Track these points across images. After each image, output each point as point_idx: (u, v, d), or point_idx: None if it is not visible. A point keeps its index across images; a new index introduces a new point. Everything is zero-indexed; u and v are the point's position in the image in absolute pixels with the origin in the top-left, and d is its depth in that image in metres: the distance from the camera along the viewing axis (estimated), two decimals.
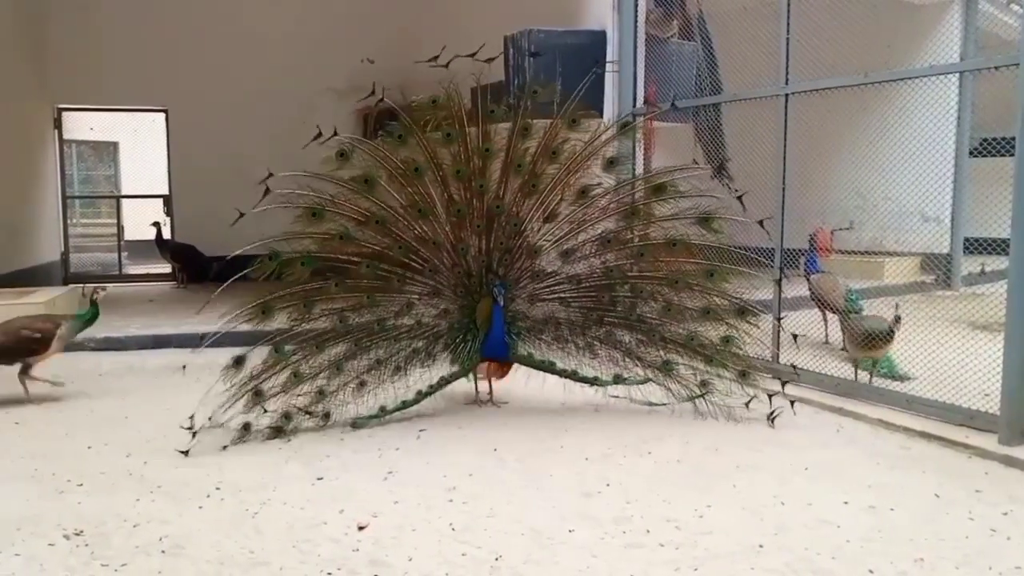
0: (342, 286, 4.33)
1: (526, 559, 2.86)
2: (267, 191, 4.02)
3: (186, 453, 3.91)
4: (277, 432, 4.15)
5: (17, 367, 5.09)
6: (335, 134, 4.24)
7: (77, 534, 3.08)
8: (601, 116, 6.07)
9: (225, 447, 3.94)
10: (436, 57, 4.29)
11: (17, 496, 3.48)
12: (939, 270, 7.18)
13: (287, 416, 4.18)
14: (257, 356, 4.20)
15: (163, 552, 2.93)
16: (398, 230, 4.40)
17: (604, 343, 4.67)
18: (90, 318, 5.28)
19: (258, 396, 4.09)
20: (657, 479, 3.64)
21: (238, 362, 4.11)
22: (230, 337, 5.52)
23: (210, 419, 3.96)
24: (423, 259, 4.49)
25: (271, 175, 4.04)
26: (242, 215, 4.11)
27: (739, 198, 4.43)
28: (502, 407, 4.86)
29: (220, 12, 10.97)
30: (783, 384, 4.57)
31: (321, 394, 4.26)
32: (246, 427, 4.08)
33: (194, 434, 3.93)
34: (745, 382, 4.51)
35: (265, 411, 4.11)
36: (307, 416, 4.23)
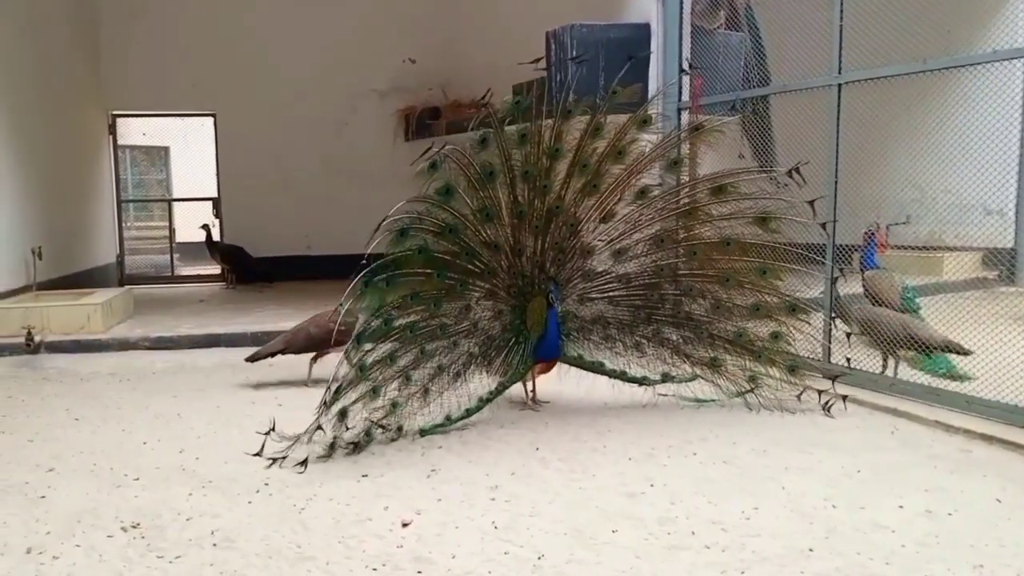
0: (417, 299, 4.27)
1: (569, 559, 2.84)
2: (379, 227, 4.01)
3: (259, 453, 3.86)
4: (355, 447, 4.01)
5: None
6: (445, 145, 4.23)
7: (134, 526, 3.17)
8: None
9: (304, 464, 3.82)
10: (539, 59, 4.29)
11: (78, 490, 3.59)
12: (1002, 266, 6.90)
13: (368, 433, 4.06)
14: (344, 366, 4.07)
15: (214, 545, 2.99)
16: (466, 237, 4.37)
17: (652, 341, 4.64)
18: None
19: (343, 416, 3.97)
20: (703, 480, 3.58)
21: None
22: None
23: (276, 435, 3.87)
24: (483, 263, 4.46)
25: (387, 217, 4.05)
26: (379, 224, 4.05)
27: (811, 203, 4.34)
28: (545, 407, 4.83)
29: (265, 18, 11.19)
30: (833, 380, 4.47)
31: (394, 406, 4.16)
32: (332, 446, 3.95)
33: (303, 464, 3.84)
34: (794, 377, 4.46)
35: (347, 428, 4.00)
36: (382, 431, 4.13)
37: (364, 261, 3.98)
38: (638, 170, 4.53)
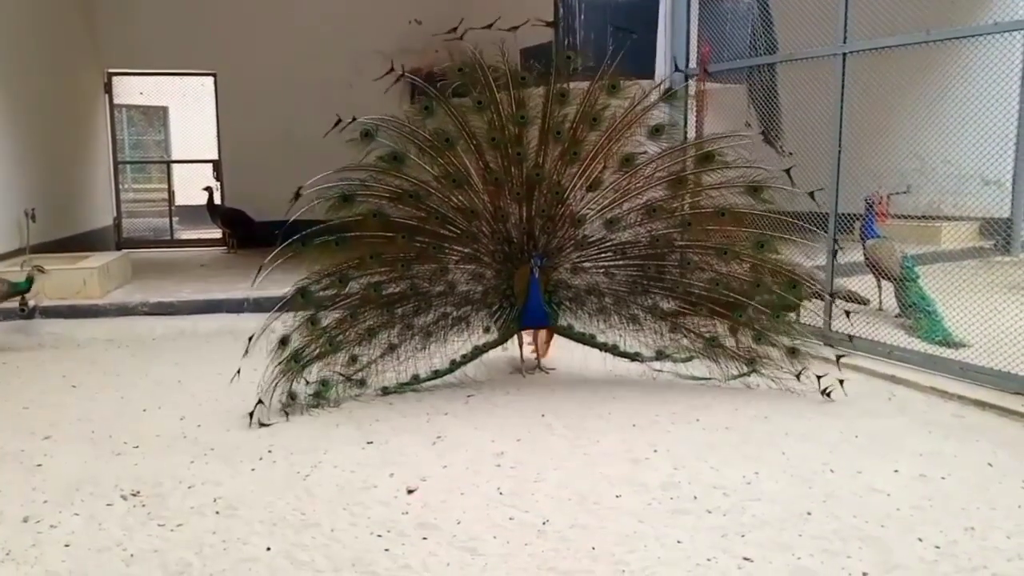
0: (378, 259, 4.32)
1: (573, 523, 2.88)
2: (298, 196, 4.06)
3: (250, 416, 3.96)
4: (317, 398, 4.18)
5: None
6: (353, 119, 4.21)
7: (134, 494, 3.17)
8: (652, 78, 5.93)
9: (286, 413, 4.02)
10: (491, 25, 4.22)
11: (76, 457, 3.59)
12: (998, 235, 6.94)
13: (325, 383, 4.20)
14: (287, 325, 4.21)
15: (217, 513, 3.00)
16: (432, 202, 4.37)
17: (649, 314, 4.58)
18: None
19: (296, 362, 4.11)
20: (705, 446, 3.62)
21: (283, 342, 4.11)
22: (278, 303, 5.61)
23: (260, 401, 4.00)
24: (459, 228, 4.45)
25: (300, 188, 4.09)
26: (298, 195, 4.10)
27: (787, 171, 4.27)
28: (550, 373, 4.87)
29: None
30: (837, 360, 4.38)
31: (354, 360, 4.28)
32: (292, 396, 4.11)
33: (253, 411, 3.98)
34: (795, 358, 4.36)
35: (308, 383, 4.15)
36: (345, 381, 4.26)
37: (283, 227, 4.05)
38: (615, 137, 4.44)
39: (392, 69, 4.32)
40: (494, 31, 4.19)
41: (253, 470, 3.42)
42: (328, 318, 4.22)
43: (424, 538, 2.79)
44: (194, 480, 3.30)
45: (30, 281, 5.79)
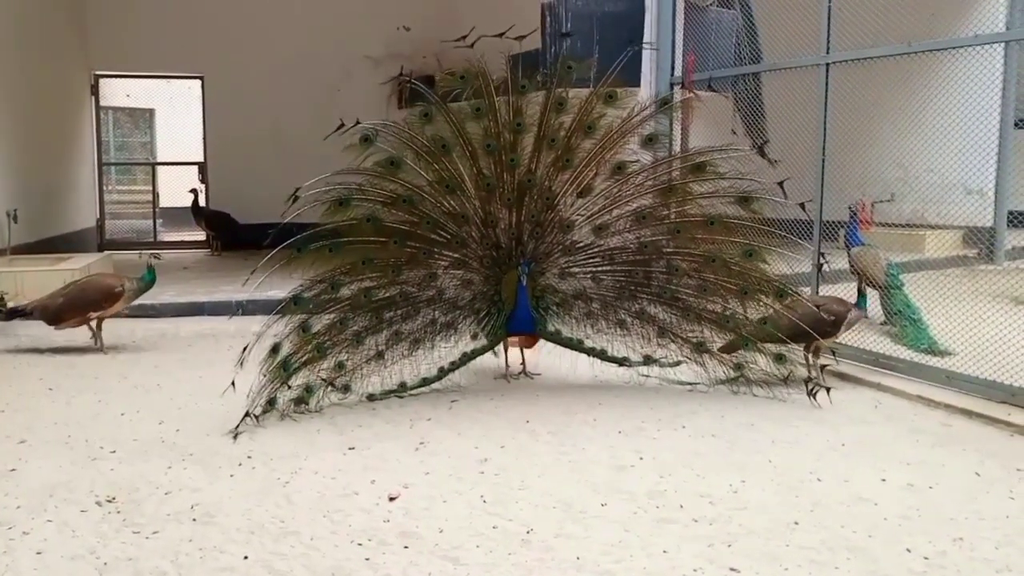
0: (369, 265, 4.30)
1: (558, 532, 2.84)
2: (295, 200, 4.03)
3: (235, 432, 3.86)
4: (299, 403, 4.13)
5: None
6: (357, 123, 4.17)
7: (109, 501, 3.11)
8: (637, 87, 5.95)
9: (257, 417, 3.96)
10: (464, 37, 4.22)
11: (51, 462, 3.51)
12: (982, 244, 7.01)
13: (308, 389, 4.15)
14: (276, 332, 4.15)
15: (194, 520, 2.95)
16: (425, 208, 4.35)
17: (636, 319, 4.58)
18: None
19: (284, 370, 4.05)
20: (691, 453, 3.60)
21: (274, 350, 4.04)
22: (263, 306, 5.57)
23: (248, 414, 3.93)
24: (449, 233, 4.44)
25: (298, 189, 4.06)
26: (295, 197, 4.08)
27: (780, 184, 4.28)
28: (535, 379, 4.83)
29: None
30: (822, 369, 4.38)
31: (341, 367, 4.24)
32: (271, 402, 4.04)
33: (238, 425, 3.89)
34: (781, 364, 4.40)
35: (289, 387, 4.09)
36: (329, 387, 4.21)
37: (278, 229, 4.02)
38: (610, 145, 4.47)
39: (402, 73, 4.31)
40: (485, 40, 4.18)
41: (232, 476, 3.36)
42: (318, 324, 4.17)
43: (405, 547, 2.74)
44: (171, 486, 3.24)
45: (153, 272, 5.74)
